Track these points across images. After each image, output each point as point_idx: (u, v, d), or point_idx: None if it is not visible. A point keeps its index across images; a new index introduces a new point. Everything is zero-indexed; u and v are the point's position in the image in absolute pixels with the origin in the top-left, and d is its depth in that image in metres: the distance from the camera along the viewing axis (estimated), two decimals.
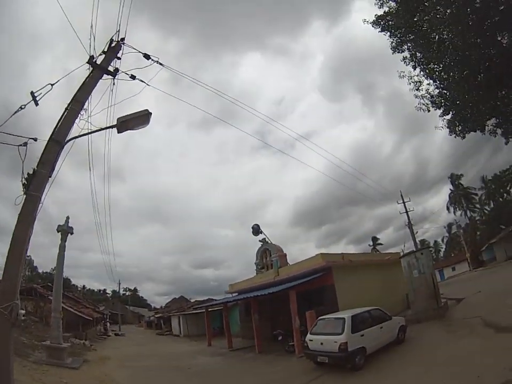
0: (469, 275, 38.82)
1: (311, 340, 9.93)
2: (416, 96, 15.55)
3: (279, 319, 16.37)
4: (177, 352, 19.02)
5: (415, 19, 13.43)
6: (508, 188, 50.84)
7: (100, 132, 6.96)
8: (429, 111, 15.59)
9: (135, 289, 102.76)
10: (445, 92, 14.94)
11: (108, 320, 46.11)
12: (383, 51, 26.82)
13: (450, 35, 12.63)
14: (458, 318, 12.55)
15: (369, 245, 63.09)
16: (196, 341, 24.17)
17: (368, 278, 16.13)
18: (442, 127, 15.86)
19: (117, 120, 6.56)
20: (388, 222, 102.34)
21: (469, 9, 11.54)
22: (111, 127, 6.81)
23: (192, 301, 48.10)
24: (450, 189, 57.01)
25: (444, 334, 10.65)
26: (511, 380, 5.54)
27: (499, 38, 13.24)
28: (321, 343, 9.43)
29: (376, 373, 8.41)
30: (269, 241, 19.41)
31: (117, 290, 69.18)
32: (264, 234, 19.69)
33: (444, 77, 14.43)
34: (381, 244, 62.04)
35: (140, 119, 6.63)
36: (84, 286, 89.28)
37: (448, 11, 11.97)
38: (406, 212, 31.32)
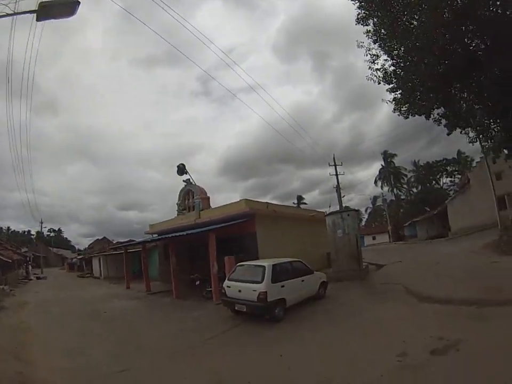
0: (389, 246, 41.96)
1: (229, 287, 9.33)
2: (370, 68, 15.40)
3: (198, 264, 15.77)
4: (95, 295, 17.81)
5: None
6: (437, 177, 57.19)
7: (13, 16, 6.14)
8: (379, 83, 15.53)
9: (59, 230, 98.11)
10: (400, 71, 14.86)
11: (30, 263, 43.67)
12: (346, 25, 26.01)
13: (422, 19, 12.34)
14: (379, 282, 12.76)
15: (293, 202, 64.47)
16: (115, 284, 23.16)
17: (291, 232, 16.16)
18: (389, 101, 15.92)
19: (39, 4, 5.81)
20: (316, 184, 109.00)
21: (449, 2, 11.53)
22: (30, 12, 6.14)
23: (114, 242, 46.18)
24: (381, 165, 59.96)
25: (366, 296, 10.62)
26: (439, 348, 5.36)
27: (468, 41, 13.34)
28: (239, 291, 8.85)
29: (297, 326, 8.06)
30: (193, 182, 18.37)
31: (40, 231, 64.78)
32: (189, 174, 18.53)
33: (403, 57, 14.30)
34: (305, 203, 63.76)
35: (66, 7, 5.97)
36: (8, 227, 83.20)
37: None
38: (336, 174, 31.93)
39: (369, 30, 14.49)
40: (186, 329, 8.92)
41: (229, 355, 6.45)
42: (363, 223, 75.49)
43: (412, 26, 13.05)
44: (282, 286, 8.77)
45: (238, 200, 15.11)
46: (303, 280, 9.74)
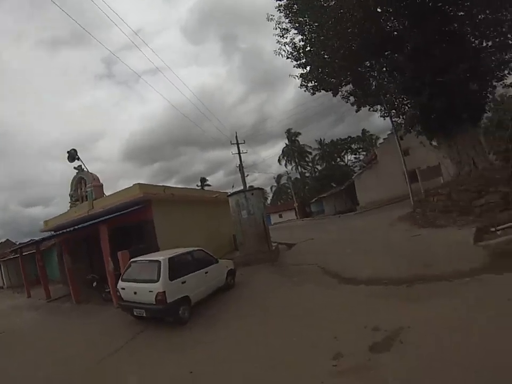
0: (296, 223, 43.05)
1: (123, 288, 8.17)
2: (279, 42, 15.37)
3: (96, 261, 14.24)
4: None
5: None
6: (342, 154, 60.51)
7: None
8: (287, 58, 15.79)
9: None
10: (310, 47, 15.07)
11: None
12: (258, 7, 25.62)
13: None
14: (292, 263, 12.28)
15: (197, 185, 63.70)
16: (20, 293, 20.30)
17: (193, 216, 15.39)
18: (296, 77, 16.14)
19: None
20: (220, 166, 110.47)
21: None
22: None
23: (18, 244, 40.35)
24: (285, 143, 61.51)
25: (280, 280, 10.02)
26: (378, 342, 4.63)
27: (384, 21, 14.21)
28: (135, 293, 7.78)
29: (206, 325, 7.27)
30: (85, 169, 16.54)
31: None
32: (81, 160, 16.55)
33: (315, 31, 14.50)
34: (209, 185, 63.29)
35: None
36: None
37: None
38: (239, 152, 31.45)
39: (281, 5, 14.64)
40: (87, 341, 7.77)
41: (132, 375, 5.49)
42: (268, 201, 77.29)
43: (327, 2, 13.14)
44: (184, 282, 7.94)
45: (131, 185, 13.37)
46: (207, 272, 8.98)
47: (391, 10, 13.74)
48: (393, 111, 17.21)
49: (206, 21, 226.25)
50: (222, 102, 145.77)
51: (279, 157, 62.31)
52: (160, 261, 7.81)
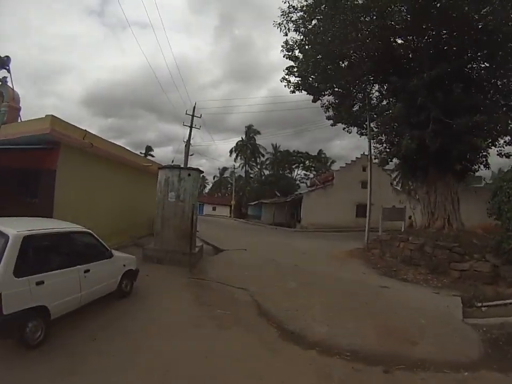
0: (229, 221, 40.52)
1: None
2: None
3: None
4: None
5: None
6: (293, 166, 59.04)
7: None
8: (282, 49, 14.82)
9: None
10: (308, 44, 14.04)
11: None
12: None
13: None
14: (216, 278, 9.06)
15: (141, 152, 58.70)
16: None
17: (112, 181, 11.96)
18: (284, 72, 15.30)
19: None
20: (171, 141, 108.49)
21: None
22: None
23: None
24: (242, 137, 58.63)
25: (195, 308, 6.82)
26: None
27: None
28: None
29: (70, 357, 4.27)
30: (11, 85, 12.36)
31: None
32: (10, 73, 12.48)
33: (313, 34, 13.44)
34: (152, 156, 57.30)
35: None
36: None
37: None
38: (191, 126, 27.25)
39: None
40: None
41: None
42: (206, 189, 74.52)
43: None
44: (40, 283, 4.53)
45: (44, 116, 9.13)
46: (88, 271, 5.53)
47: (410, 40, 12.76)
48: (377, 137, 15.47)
49: None
50: (196, 79, 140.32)
51: (232, 149, 59.13)
52: (8, 236, 4.41)
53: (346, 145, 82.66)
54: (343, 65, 13.99)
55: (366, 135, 16.66)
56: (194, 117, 26.62)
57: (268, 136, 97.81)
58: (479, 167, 13.23)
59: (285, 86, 15.42)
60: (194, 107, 26.81)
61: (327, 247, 15.75)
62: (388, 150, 14.46)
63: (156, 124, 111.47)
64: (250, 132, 57.12)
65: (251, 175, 60.41)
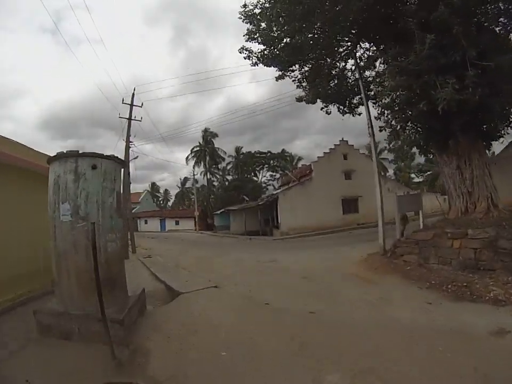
0: (194, 236, 35.45)
1: None
2: None
3: None
4: None
5: None
6: (257, 168, 56.30)
7: None
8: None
9: None
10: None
11: None
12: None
13: None
14: (161, 379, 3.55)
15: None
16: None
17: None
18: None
19: None
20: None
21: None
22: None
23: None
24: (199, 142, 53.94)
25: None
26: None
27: None
28: None
29: None
30: None
31: None
32: None
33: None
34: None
35: None
36: None
37: None
38: (130, 119, 21.07)
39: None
40: None
41: None
42: (170, 204, 72.82)
43: None
44: None
45: None
46: None
47: None
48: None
49: (168, 5, 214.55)
50: (152, 93, 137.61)
51: (188, 156, 54.03)
52: None
53: (307, 144, 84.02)
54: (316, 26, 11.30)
55: (349, 112, 13.98)
56: (136, 106, 21.39)
57: (228, 144, 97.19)
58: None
59: (245, 57, 13.04)
60: (133, 94, 21.12)
61: (329, 260, 10.94)
62: (400, 115, 10.39)
63: (116, 142, 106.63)
64: (208, 135, 52.24)
65: (214, 183, 56.05)
